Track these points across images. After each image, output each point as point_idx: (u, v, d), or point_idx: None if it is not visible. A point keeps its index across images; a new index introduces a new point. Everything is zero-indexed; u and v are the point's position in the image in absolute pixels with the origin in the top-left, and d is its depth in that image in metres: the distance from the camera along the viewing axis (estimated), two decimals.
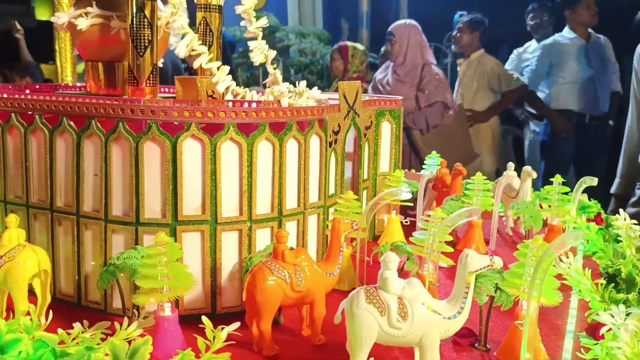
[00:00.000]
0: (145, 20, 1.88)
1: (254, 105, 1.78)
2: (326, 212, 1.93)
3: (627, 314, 1.40)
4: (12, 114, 1.77)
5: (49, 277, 1.59)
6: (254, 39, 2.20)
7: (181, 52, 2.00)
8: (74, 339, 1.42)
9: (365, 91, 5.72)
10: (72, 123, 1.67)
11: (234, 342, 1.41)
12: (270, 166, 1.70)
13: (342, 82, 2.10)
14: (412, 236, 1.74)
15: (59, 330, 1.45)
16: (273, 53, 2.22)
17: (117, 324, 1.48)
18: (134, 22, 1.86)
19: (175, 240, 1.61)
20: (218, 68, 2.04)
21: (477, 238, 2.30)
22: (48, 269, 1.58)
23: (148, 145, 1.59)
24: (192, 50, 2.04)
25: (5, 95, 1.81)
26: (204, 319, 1.43)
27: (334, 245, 1.58)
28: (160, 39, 2.07)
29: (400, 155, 2.48)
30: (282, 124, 1.71)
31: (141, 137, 1.59)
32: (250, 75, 7.86)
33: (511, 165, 2.55)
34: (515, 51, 5.97)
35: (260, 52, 2.19)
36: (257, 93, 2.09)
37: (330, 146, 1.97)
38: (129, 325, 1.47)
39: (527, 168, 2.42)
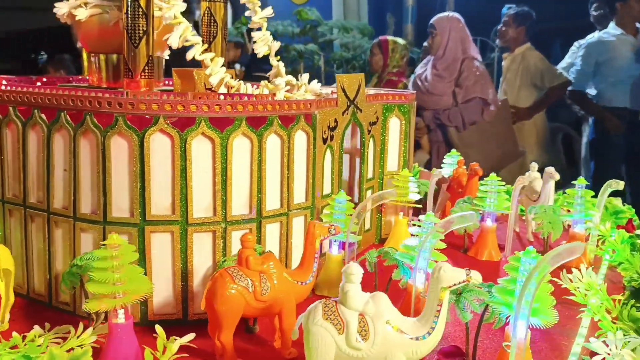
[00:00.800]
0: (140, 9, 1.80)
1: (246, 99, 1.67)
2: (316, 214, 1.80)
3: (625, 343, 1.20)
4: None
5: (12, 277, 1.52)
6: (259, 29, 2.10)
7: (174, 43, 1.92)
8: (26, 344, 1.35)
9: (405, 86, 5.54)
10: (42, 116, 1.59)
11: (186, 354, 1.30)
12: (248, 164, 1.58)
13: (341, 75, 1.96)
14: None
15: (14, 334, 1.39)
16: (277, 45, 2.11)
17: (72, 329, 1.40)
18: (129, 12, 1.78)
19: (144, 241, 1.52)
20: (212, 60, 1.95)
21: (490, 244, 2.12)
22: (10, 268, 1.51)
23: (115, 140, 1.50)
24: (186, 40, 1.95)
25: None
26: (158, 327, 1.33)
27: (308, 251, 1.44)
28: (162, 30, 1.98)
29: (410, 154, 2.31)
30: (262, 119, 1.58)
31: (108, 131, 1.49)
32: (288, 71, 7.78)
33: (534, 165, 2.35)
34: (576, 43, 5.63)
35: (264, 44, 2.09)
36: (252, 86, 1.99)
37: (324, 143, 1.83)
38: (84, 331, 1.39)
39: (549, 169, 2.20)
